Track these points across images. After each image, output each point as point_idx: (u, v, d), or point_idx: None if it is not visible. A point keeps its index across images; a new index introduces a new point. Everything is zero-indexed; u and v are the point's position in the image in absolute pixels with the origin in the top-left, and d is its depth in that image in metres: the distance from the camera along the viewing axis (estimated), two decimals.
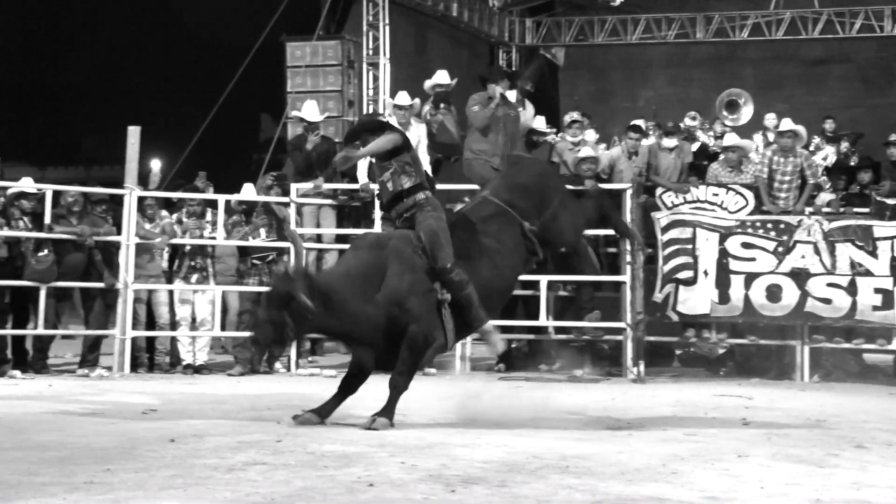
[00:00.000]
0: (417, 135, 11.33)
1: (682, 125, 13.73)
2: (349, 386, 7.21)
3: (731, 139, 11.71)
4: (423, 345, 7.11)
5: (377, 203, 10.96)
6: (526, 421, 7.29)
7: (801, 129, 11.39)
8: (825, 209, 11.17)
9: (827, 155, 13.93)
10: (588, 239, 11.21)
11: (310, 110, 12.00)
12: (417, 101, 11.62)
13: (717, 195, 10.96)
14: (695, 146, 12.53)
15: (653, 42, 19.94)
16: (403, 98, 11.70)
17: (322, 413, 7.09)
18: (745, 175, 11.28)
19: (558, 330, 11.26)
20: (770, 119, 13.82)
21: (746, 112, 15.38)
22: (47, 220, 10.59)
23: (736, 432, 7.04)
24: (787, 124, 11.34)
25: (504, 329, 11.25)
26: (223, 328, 11.33)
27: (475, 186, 11.28)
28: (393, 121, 11.09)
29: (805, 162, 11.19)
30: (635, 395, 9.44)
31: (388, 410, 6.98)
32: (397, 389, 7.04)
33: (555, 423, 7.26)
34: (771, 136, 13.06)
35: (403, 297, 7.02)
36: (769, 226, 10.77)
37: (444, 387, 9.39)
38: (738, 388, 10.04)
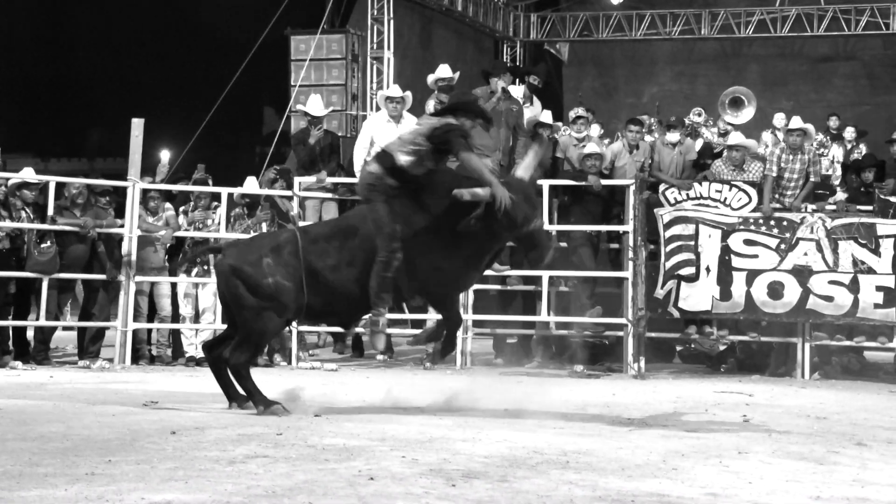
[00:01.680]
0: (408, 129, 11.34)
1: (686, 120, 13.73)
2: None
3: (736, 138, 11.70)
4: None
5: None
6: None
7: (809, 127, 11.39)
8: (828, 206, 11.16)
9: (834, 155, 13.95)
10: (590, 235, 11.31)
11: (314, 105, 12.02)
12: (409, 93, 11.63)
13: (720, 192, 10.95)
14: (699, 143, 12.51)
15: (658, 38, 19.95)
16: (395, 90, 11.71)
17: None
18: (747, 174, 11.28)
19: (559, 325, 11.27)
20: (779, 119, 13.83)
21: (749, 111, 15.38)
22: (50, 211, 10.61)
23: (737, 429, 7.05)
24: (796, 122, 11.33)
25: (501, 324, 11.40)
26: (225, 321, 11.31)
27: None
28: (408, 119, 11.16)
29: (811, 159, 11.20)
30: (636, 391, 9.45)
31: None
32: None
33: (553, 418, 7.27)
34: (780, 135, 13.06)
35: None
36: (772, 223, 10.77)
37: (447, 381, 9.41)
38: (739, 384, 10.05)
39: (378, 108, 12.96)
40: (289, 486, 4.83)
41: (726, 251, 10.78)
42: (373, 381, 8.89)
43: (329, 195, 11.57)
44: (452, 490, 4.83)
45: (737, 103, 15.41)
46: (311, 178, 11.45)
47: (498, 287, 11.38)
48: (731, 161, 11.44)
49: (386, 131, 11.24)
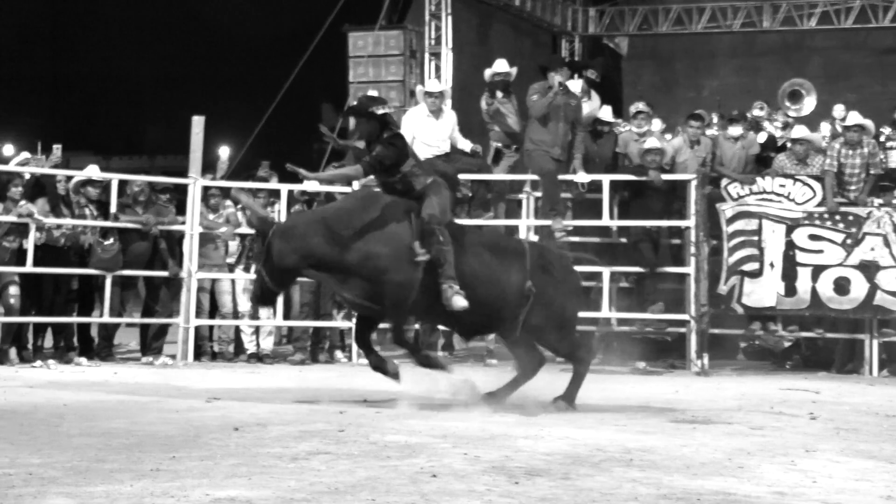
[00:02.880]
0: (451, 122, 11.34)
1: (748, 115, 13.56)
2: None
3: (800, 131, 11.53)
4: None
5: None
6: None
7: (868, 122, 11.22)
8: (895, 200, 10.98)
9: None
10: (651, 230, 11.22)
11: None
12: (448, 88, 11.61)
13: (783, 186, 10.84)
14: (762, 137, 12.34)
15: (718, 31, 19.69)
16: (433, 84, 11.68)
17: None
18: (811, 168, 11.13)
19: (620, 322, 11.20)
20: (839, 110, 13.60)
21: (809, 102, 15.16)
22: (113, 208, 10.74)
23: (803, 427, 6.97)
24: (853, 118, 11.16)
25: None
26: (286, 317, 11.35)
27: (535, 177, 11.30)
28: (421, 108, 11.16)
29: (871, 152, 11.02)
30: (699, 388, 9.38)
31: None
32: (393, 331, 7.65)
33: (615, 415, 7.23)
34: (839, 128, 12.85)
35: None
36: (837, 217, 10.63)
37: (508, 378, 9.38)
38: (805, 381, 9.94)
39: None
40: (351, 482, 4.84)
41: (791, 246, 10.67)
42: (433, 377, 8.87)
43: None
44: (515, 488, 4.81)
45: (796, 96, 15.20)
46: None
47: None
48: (794, 155, 11.29)
49: (426, 126, 11.25)
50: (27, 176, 10.63)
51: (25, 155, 11.15)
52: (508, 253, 7.71)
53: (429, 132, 11.27)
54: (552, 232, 10.94)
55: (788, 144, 11.72)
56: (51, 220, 10.45)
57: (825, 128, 13.33)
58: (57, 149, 11.02)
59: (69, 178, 10.86)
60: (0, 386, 8.39)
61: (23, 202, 10.31)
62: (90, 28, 27.09)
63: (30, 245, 10.22)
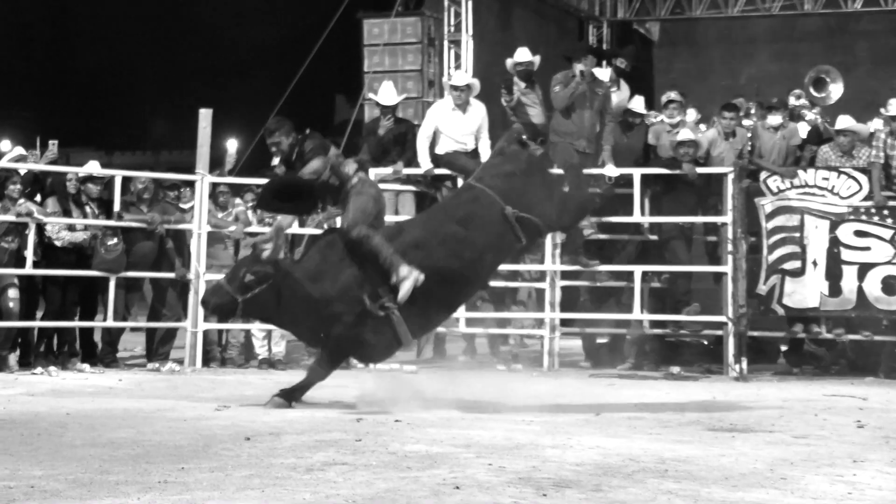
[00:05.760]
0: (479, 116, 11.34)
1: (788, 103, 13.50)
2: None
3: (845, 122, 11.45)
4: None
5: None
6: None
7: None
8: None
9: None
10: (683, 227, 11.19)
11: (386, 93, 11.97)
12: (475, 81, 11.61)
13: (827, 179, 10.79)
14: (804, 128, 12.26)
15: (756, 14, 19.63)
16: (459, 78, 11.68)
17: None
18: (857, 161, 11.07)
19: (653, 324, 11.19)
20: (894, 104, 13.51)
21: (836, 90, 15.08)
22: (117, 207, 10.77)
23: (850, 435, 6.94)
24: None
25: (590, 323, 11.36)
26: None
27: (560, 171, 11.28)
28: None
29: None
30: (738, 394, 9.36)
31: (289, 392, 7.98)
32: (309, 377, 8.09)
33: (649, 423, 7.22)
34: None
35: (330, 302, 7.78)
36: (885, 212, 10.58)
37: (534, 384, 9.40)
38: (851, 387, 9.90)
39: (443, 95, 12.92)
40: (370, 495, 4.85)
41: (835, 243, 10.63)
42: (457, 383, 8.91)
43: (406, 187, 11.58)
44: (543, 500, 4.81)
45: (820, 83, 15.12)
46: (388, 170, 11.47)
47: (587, 283, 11.32)
48: (839, 147, 11.24)
49: (451, 120, 11.25)
50: (23, 172, 10.66)
51: (20, 150, 11.17)
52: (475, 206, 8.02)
53: (454, 127, 11.28)
54: (580, 230, 10.93)
55: (833, 136, 11.66)
56: (53, 220, 10.50)
57: (876, 120, 13.21)
58: (53, 144, 11.07)
59: (78, 176, 10.88)
60: None
61: (21, 201, 10.37)
62: (90, 18, 27.22)
63: (29, 246, 10.25)
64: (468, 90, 11.41)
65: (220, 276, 11.04)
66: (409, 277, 7.61)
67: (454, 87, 11.44)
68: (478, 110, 11.38)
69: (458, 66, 16.55)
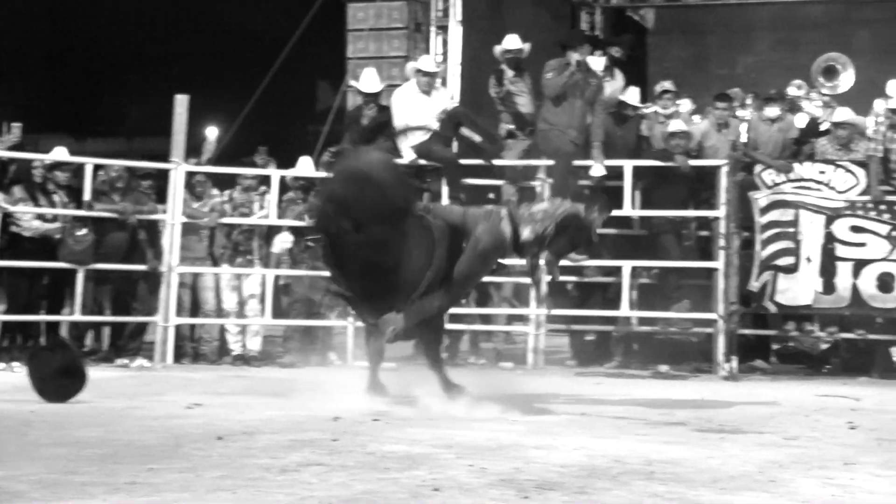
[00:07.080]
0: (444, 101, 11.38)
1: (786, 94, 13.52)
2: None
3: (843, 114, 11.48)
4: None
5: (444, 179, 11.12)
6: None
7: None
8: None
9: None
10: (675, 221, 11.21)
11: (368, 80, 11.96)
12: (444, 67, 11.65)
13: (823, 173, 10.83)
14: (802, 120, 12.29)
15: (755, 1, 19.65)
16: (429, 64, 11.67)
17: None
18: (854, 154, 11.11)
19: (642, 321, 11.21)
20: (893, 87, 13.51)
21: (846, 79, 15.11)
22: (87, 196, 10.71)
23: (842, 437, 6.98)
24: None
25: (577, 319, 11.37)
26: (276, 316, 11.35)
27: (549, 162, 11.29)
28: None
29: None
30: (728, 394, 9.39)
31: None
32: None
33: (636, 424, 7.25)
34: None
35: None
36: (882, 207, 10.63)
37: (518, 381, 9.42)
38: (844, 387, 9.94)
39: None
40: (346, 497, 4.85)
41: (830, 239, 10.68)
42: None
43: None
44: (526, 503, 4.83)
45: (831, 72, 15.14)
46: None
47: (574, 279, 11.33)
48: (836, 140, 11.27)
49: (416, 105, 11.26)
50: None
51: None
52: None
53: (419, 111, 11.29)
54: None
55: (830, 128, 11.69)
56: (19, 209, 10.46)
57: (879, 105, 13.21)
58: (16, 127, 11.00)
59: (44, 163, 10.82)
60: None
61: None
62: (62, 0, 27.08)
63: None
64: (434, 77, 11.46)
65: (192, 269, 11.10)
66: None
67: (423, 73, 11.44)
68: (442, 94, 11.45)
69: (445, 54, 16.54)
